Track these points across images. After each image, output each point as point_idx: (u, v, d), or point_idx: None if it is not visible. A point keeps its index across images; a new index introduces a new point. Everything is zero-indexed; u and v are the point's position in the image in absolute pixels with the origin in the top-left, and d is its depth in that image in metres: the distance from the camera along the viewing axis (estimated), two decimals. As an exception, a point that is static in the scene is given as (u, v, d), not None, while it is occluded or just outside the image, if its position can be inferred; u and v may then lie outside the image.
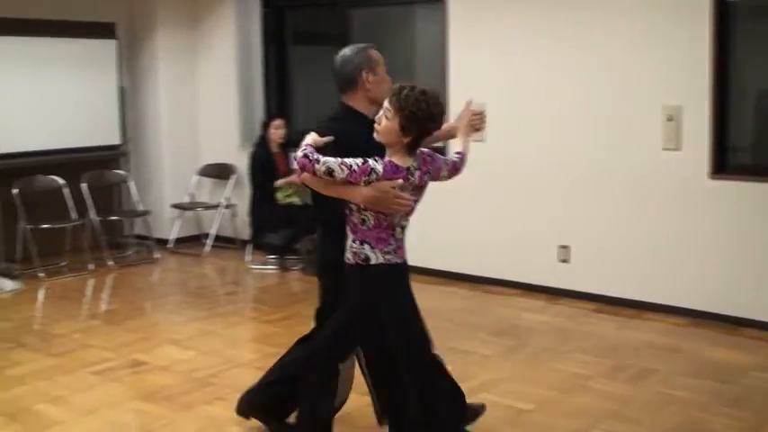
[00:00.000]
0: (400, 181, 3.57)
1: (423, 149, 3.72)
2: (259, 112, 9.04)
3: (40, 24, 8.40)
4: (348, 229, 3.68)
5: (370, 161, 3.51)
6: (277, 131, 8.06)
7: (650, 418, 4.62)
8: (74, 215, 8.43)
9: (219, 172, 9.22)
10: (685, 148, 6.28)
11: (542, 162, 7.02)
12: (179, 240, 9.20)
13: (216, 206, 9.13)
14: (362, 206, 3.58)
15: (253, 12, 8.99)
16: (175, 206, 9.20)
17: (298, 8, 9.26)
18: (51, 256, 8.32)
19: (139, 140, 9.42)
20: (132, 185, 9.09)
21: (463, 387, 4.93)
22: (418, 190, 3.73)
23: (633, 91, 6.49)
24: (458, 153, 4.00)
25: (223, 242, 9.14)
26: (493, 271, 7.35)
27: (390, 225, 3.68)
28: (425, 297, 6.88)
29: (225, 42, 9.08)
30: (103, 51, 8.78)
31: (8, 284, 7.73)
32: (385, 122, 3.55)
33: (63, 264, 8.41)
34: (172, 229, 9.19)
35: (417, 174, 3.66)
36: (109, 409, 4.86)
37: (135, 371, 5.47)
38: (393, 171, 3.55)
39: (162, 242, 9.17)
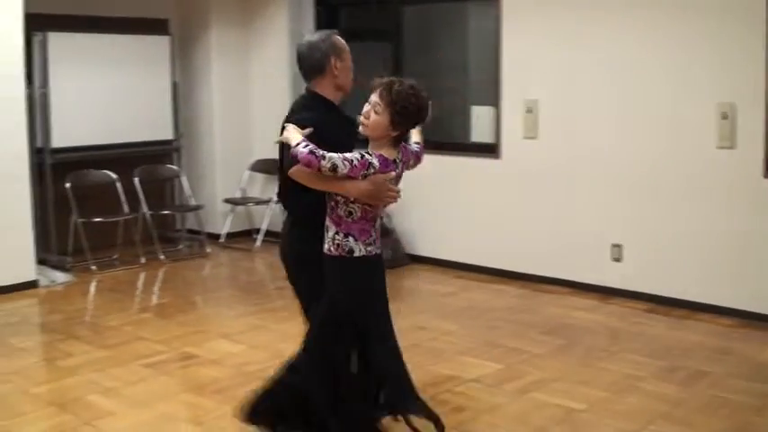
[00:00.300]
0: (393, 174, 3.65)
1: None
2: (310, 109, 9.05)
3: (94, 21, 8.53)
4: (330, 221, 3.70)
5: (366, 155, 3.56)
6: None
7: (702, 420, 4.56)
8: (126, 209, 8.52)
9: (271, 167, 9.21)
10: (740, 146, 6.20)
11: (596, 160, 6.96)
12: (230, 235, 9.27)
13: (267, 201, 9.17)
14: (352, 199, 3.61)
15: (305, 9, 9.02)
16: (227, 201, 9.26)
17: (350, 5, 9.27)
18: (103, 250, 8.43)
19: (192, 136, 9.50)
20: (185, 180, 9.16)
21: (513, 385, 4.98)
22: (399, 180, 3.79)
23: (688, 88, 6.42)
24: (417, 143, 4.05)
25: (273, 237, 9.14)
26: (544, 269, 7.31)
27: (374, 217, 3.74)
28: (476, 294, 6.99)
29: (277, 40, 9.12)
30: (157, 47, 8.84)
31: (60, 277, 7.83)
32: (374, 117, 3.59)
33: (114, 257, 8.52)
34: (224, 224, 9.25)
35: (401, 165, 3.75)
36: (160, 402, 4.90)
37: (186, 364, 5.51)
38: (385, 164, 3.61)
39: (213, 237, 9.24)
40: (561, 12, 7.06)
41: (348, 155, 3.52)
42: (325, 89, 4.01)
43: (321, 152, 3.49)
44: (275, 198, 9.01)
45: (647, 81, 6.62)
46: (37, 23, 7.85)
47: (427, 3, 8.52)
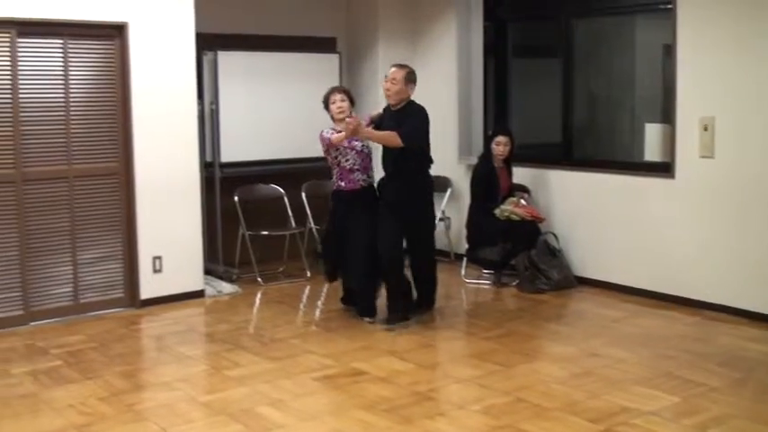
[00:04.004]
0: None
1: None
2: (478, 126, 8.97)
3: (263, 40, 8.72)
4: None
5: None
6: (498, 147, 7.94)
7: None
8: (292, 223, 8.62)
9: (436, 184, 9.12)
10: None
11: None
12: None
13: (427, 218, 9.08)
14: None
15: (474, 25, 8.92)
16: (389, 217, 9.22)
17: (519, 20, 9.15)
18: (269, 262, 8.55)
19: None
20: (350, 196, 9.19)
21: (692, 421, 4.73)
22: None
23: None
24: None
25: (437, 255, 9.08)
26: (718, 296, 6.95)
27: None
28: (647, 321, 6.74)
29: (445, 56, 9.07)
30: (325, 65, 8.92)
31: (227, 287, 7.96)
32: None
33: (280, 270, 8.63)
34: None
35: None
36: (331, 417, 4.88)
37: (355, 380, 5.46)
38: None
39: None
40: (741, 23, 6.69)
41: None
42: None
43: None
44: (439, 215, 8.96)
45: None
46: (208, 42, 8.07)
47: (598, 16, 8.33)
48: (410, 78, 6.73)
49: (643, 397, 5.08)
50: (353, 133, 6.48)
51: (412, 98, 6.80)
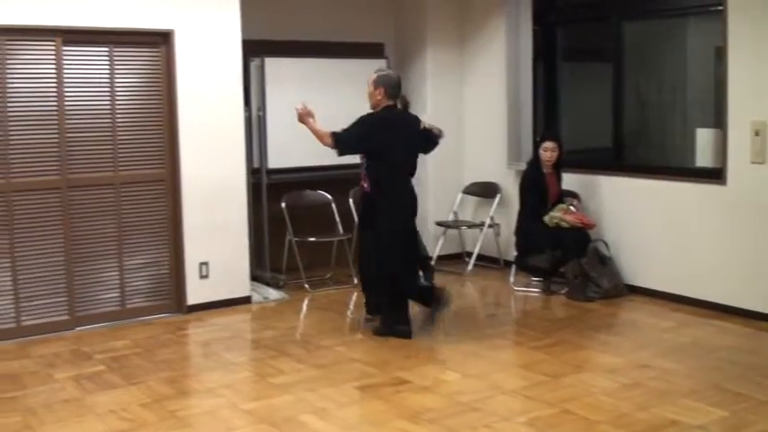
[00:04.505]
0: None
1: None
2: (527, 131, 8.87)
3: (310, 46, 8.71)
4: None
5: None
6: (545, 153, 7.82)
7: None
8: (340, 230, 8.58)
9: (484, 191, 9.13)
10: None
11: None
12: (441, 258, 9.16)
13: (479, 225, 9.03)
14: None
15: (523, 30, 8.82)
16: (439, 224, 9.18)
17: (568, 24, 9.03)
18: (316, 269, 8.52)
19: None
20: (397, 202, 9.14)
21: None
22: None
23: None
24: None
25: (485, 261, 9.04)
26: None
27: None
28: (697, 331, 6.59)
29: (494, 60, 8.98)
30: (372, 71, 8.87)
31: (273, 294, 7.95)
32: None
33: (328, 276, 8.60)
34: (435, 247, 9.17)
35: None
36: (372, 427, 4.81)
37: (399, 389, 5.39)
38: None
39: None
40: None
41: None
42: None
43: None
44: (488, 221, 8.89)
45: None
46: (255, 49, 8.08)
47: (649, 18, 8.18)
48: (379, 82, 6.59)
49: (691, 410, 4.95)
50: (299, 119, 6.67)
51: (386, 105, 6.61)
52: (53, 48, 6.66)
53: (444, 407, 5.04)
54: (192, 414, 5.06)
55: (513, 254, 8.26)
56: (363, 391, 5.40)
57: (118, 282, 7.12)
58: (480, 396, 5.18)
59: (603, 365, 5.83)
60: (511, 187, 8.69)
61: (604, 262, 7.75)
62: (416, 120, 6.80)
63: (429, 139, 6.78)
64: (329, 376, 5.67)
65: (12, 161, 6.60)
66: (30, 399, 5.36)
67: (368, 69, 8.77)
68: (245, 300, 7.64)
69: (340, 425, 4.82)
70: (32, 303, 6.75)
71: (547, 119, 8.96)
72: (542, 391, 5.27)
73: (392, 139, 6.50)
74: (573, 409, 4.97)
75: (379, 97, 6.57)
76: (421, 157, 6.82)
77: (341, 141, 6.51)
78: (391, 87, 6.60)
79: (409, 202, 6.65)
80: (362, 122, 6.54)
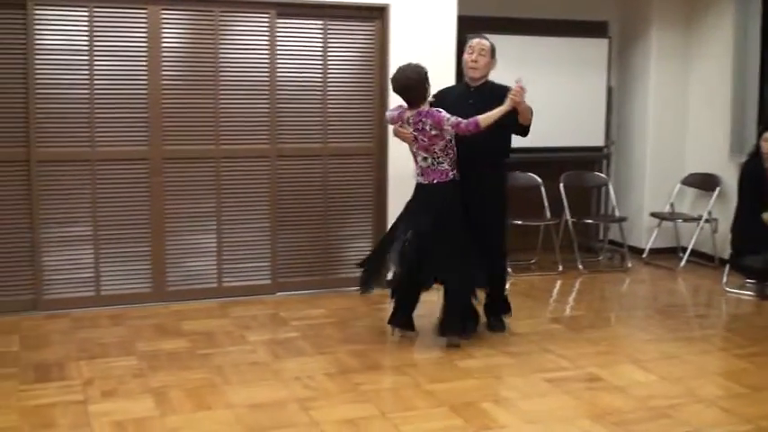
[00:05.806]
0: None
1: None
2: (752, 122, 8.30)
3: (531, 23, 8.51)
4: None
5: None
6: (765, 144, 7.16)
7: None
8: (548, 214, 8.38)
9: (704, 182, 8.64)
10: None
11: None
12: (653, 251, 8.78)
13: (696, 219, 8.57)
14: None
15: (752, 13, 8.22)
16: (654, 215, 8.77)
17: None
18: (521, 253, 8.34)
19: (623, 143, 9.16)
20: (611, 189, 8.84)
21: None
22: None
23: None
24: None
25: (699, 258, 8.57)
26: None
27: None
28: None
29: (721, 44, 8.45)
30: (594, 50, 8.62)
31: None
32: None
33: (532, 261, 8.43)
34: (648, 239, 8.79)
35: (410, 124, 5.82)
36: (555, 423, 4.60)
37: (589, 386, 5.16)
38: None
39: (636, 251, 8.82)
40: None
41: None
42: None
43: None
44: (705, 216, 8.42)
45: None
46: (471, 25, 7.89)
47: None
48: (495, 52, 6.10)
49: None
50: (519, 97, 5.74)
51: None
52: (267, 20, 6.79)
53: (633, 409, 4.77)
54: (373, 389, 5.03)
55: (728, 252, 7.76)
56: (552, 383, 5.19)
57: (320, 251, 7.21)
58: (673, 402, 4.87)
59: (813, 381, 5.36)
60: (732, 180, 8.17)
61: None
62: None
63: None
64: (519, 365, 5.51)
65: (221, 129, 6.81)
66: (219, 357, 5.52)
67: (588, 49, 8.54)
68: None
69: (521, 417, 4.65)
70: (236, 266, 6.96)
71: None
72: (740, 404, 4.89)
73: None
74: (771, 427, 4.59)
75: (492, 69, 6.16)
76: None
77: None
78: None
79: None
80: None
